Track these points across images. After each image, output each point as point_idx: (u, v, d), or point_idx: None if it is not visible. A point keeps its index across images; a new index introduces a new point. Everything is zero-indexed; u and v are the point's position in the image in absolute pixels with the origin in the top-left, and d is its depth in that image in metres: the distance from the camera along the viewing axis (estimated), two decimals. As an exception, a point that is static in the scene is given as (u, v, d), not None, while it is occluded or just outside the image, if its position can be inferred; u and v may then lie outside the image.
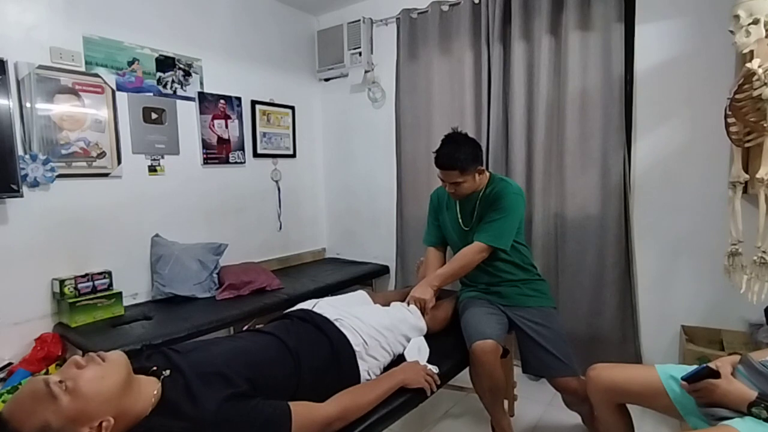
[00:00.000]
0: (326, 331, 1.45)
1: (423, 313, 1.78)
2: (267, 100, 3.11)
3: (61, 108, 2.11)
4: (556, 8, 2.38)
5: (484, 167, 1.89)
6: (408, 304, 1.80)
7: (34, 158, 2.01)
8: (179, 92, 2.61)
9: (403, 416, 1.43)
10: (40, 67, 2.04)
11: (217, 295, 2.46)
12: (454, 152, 1.77)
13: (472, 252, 1.84)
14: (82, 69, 2.19)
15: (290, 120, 3.30)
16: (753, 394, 1.12)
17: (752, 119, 1.50)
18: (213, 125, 2.79)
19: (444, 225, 2.04)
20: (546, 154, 2.47)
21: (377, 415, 1.31)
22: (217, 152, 2.82)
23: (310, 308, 1.59)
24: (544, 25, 2.39)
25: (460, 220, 1.96)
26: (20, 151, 1.97)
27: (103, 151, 2.28)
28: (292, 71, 3.30)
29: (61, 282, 2.08)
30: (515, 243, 1.88)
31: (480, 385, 1.74)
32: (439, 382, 1.49)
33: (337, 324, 1.49)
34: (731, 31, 1.50)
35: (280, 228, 3.27)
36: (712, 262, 2.00)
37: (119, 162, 2.34)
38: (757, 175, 1.47)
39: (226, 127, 2.87)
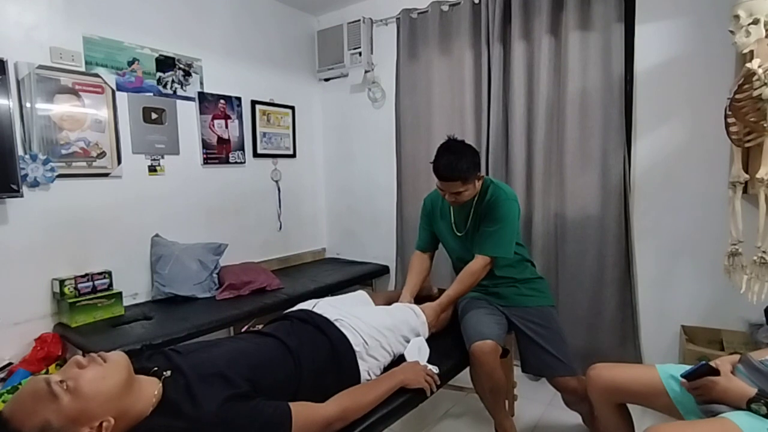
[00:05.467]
0: (326, 331, 1.45)
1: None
2: (267, 100, 3.11)
3: (61, 108, 2.11)
4: (556, 8, 2.38)
5: (482, 173, 1.87)
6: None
7: (34, 158, 2.01)
8: (179, 92, 2.61)
9: (403, 416, 1.43)
10: (40, 67, 2.04)
11: (217, 295, 2.46)
12: (455, 162, 1.70)
13: (478, 268, 1.81)
14: (82, 69, 2.19)
15: (290, 120, 3.30)
16: (752, 390, 1.13)
17: (752, 119, 1.50)
18: (213, 125, 2.79)
19: (439, 231, 2.03)
20: (546, 154, 2.47)
21: (377, 415, 1.31)
22: (217, 152, 2.82)
23: (310, 308, 1.59)
24: (544, 25, 2.39)
25: (454, 227, 1.94)
26: (20, 151, 1.96)
27: (103, 151, 2.28)
28: (292, 71, 3.30)
29: (61, 282, 2.08)
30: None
31: (481, 386, 1.74)
32: (439, 382, 1.49)
33: (337, 324, 1.49)
34: (731, 31, 1.51)
35: (280, 228, 3.27)
36: (712, 262, 2.00)
37: (119, 162, 2.34)
38: (757, 175, 1.47)
39: (226, 127, 2.87)
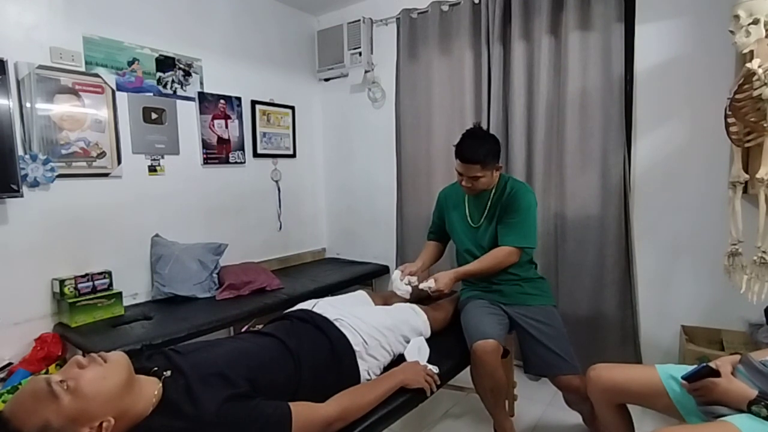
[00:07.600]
0: (326, 331, 1.45)
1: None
2: (267, 100, 3.11)
3: (61, 108, 2.11)
4: (556, 8, 2.38)
5: (501, 165, 1.90)
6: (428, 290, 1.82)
7: (34, 158, 2.01)
8: (179, 92, 2.61)
9: (403, 416, 1.44)
10: (40, 67, 2.04)
11: (217, 295, 2.46)
12: (477, 146, 1.77)
13: (503, 254, 1.84)
14: (82, 69, 2.19)
15: (290, 120, 3.30)
16: (753, 392, 1.13)
17: (752, 119, 1.50)
18: (213, 125, 2.79)
19: (450, 223, 2.04)
20: (546, 154, 2.47)
21: (377, 415, 1.31)
22: (217, 152, 2.82)
23: (309, 308, 1.59)
24: (544, 25, 2.39)
25: (469, 218, 1.96)
26: (20, 151, 1.96)
27: (103, 151, 2.28)
28: (292, 71, 3.30)
29: (61, 282, 2.08)
30: None
31: (481, 386, 1.74)
32: (439, 382, 1.50)
33: (337, 324, 1.49)
34: (731, 31, 1.50)
35: (280, 228, 3.27)
36: (712, 262, 2.00)
37: (119, 162, 2.34)
38: (757, 175, 1.47)
39: (226, 127, 2.87)
